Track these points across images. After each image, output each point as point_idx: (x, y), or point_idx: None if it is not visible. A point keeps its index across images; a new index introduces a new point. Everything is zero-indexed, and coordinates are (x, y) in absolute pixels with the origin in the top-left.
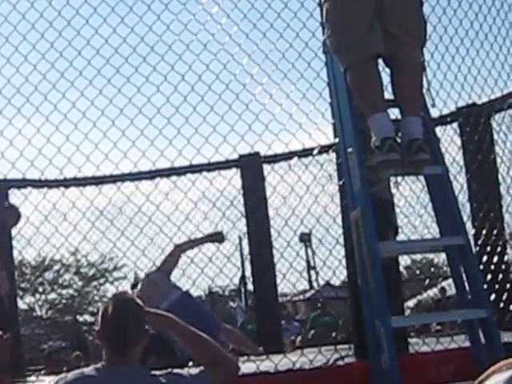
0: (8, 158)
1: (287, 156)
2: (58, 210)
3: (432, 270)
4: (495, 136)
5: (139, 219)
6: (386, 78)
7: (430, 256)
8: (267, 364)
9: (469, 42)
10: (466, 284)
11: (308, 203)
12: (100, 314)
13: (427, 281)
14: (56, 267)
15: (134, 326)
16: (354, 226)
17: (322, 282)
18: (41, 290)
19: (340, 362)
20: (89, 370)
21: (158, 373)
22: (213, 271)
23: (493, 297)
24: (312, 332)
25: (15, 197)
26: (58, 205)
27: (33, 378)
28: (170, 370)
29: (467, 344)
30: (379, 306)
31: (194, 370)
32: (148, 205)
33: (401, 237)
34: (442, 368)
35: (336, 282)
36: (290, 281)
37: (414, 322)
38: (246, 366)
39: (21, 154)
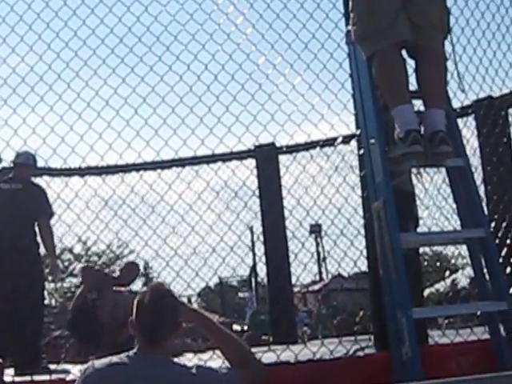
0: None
1: (302, 147)
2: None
3: (443, 263)
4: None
5: (162, 208)
6: (410, 70)
7: (439, 249)
8: (287, 354)
9: (490, 35)
10: (487, 276)
11: (318, 194)
12: (135, 303)
13: (446, 272)
14: (66, 256)
15: (170, 318)
16: (375, 217)
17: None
18: (50, 278)
19: (360, 353)
20: (120, 358)
21: (189, 365)
22: (220, 261)
23: None
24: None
25: None
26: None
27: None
28: (200, 363)
29: (486, 336)
30: (401, 296)
31: (224, 366)
32: (171, 193)
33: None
34: (461, 360)
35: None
36: (302, 271)
37: (435, 314)
38: (266, 357)
39: (43, 142)
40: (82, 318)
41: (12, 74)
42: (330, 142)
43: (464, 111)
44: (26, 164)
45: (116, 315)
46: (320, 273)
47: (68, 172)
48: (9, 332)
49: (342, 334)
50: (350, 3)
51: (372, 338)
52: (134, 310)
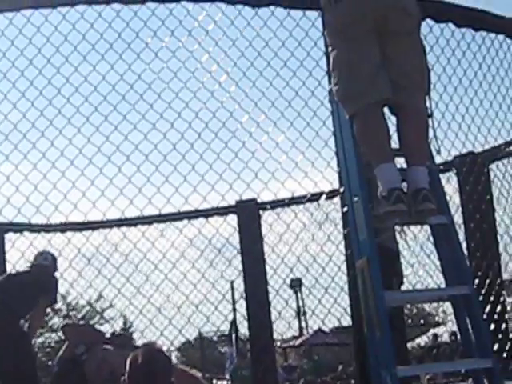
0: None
1: (285, 202)
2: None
3: (424, 317)
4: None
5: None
6: (392, 127)
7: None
8: None
9: (472, 92)
10: (472, 333)
11: (299, 250)
12: (128, 362)
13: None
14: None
15: (163, 378)
16: (359, 275)
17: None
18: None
19: None
20: None
21: None
22: (201, 317)
23: (496, 346)
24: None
25: (9, 241)
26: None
27: None
28: None
29: None
30: (385, 355)
31: None
32: (154, 251)
33: (405, 286)
34: None
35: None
36: (282, 327)
37: (420, 372)
38: None
39: (26, 200)
40: (68, 371)
41: None
42: (313, 198)
43: (446, 167)
44: (42, 265)
45: (101, 371)
46: (300, 327)
47: (50, 228)
48: None
49: None
50: (330, 64)
51: None
52: (127, 370)
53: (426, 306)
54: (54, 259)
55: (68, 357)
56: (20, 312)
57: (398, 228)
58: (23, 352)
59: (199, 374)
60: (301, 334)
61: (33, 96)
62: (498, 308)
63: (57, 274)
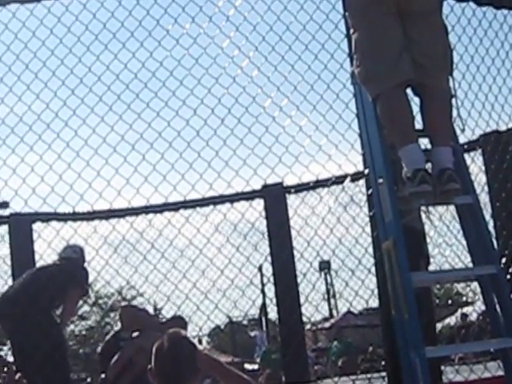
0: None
1: (310, 186)
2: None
3: (452, 297)
4: None
5: (172, 252)
6: (415, 108)
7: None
8: None
9: (495, 71)
10: (500, 313)
11: (325, 233)
12: (154, 351)
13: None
14: None
15: (188, 364)
16: (386, 257)
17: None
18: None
19: None
20: None
21: None
22: (229, 302)
23: None
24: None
25: (35, 232)
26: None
27: None
28: None
29: (500, 372)
30: (413, 336)
31: None
32: (180, 238)
33: (432, 266)
34: None
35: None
36: (311, 309)
37: (448, 352)
38: None
39: (52, 190)
40: (108, 355)
41: (19, 123)
42: (338, 181)
43: (471, 146)
44: (72, 257)
45: (136, 360)
46: (330, 309)
47: (77, 217)
48: None
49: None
50: (353, 46)
51: (386, 377)
52: (153, 358)
53: (456, 286)
54: (82, 251)
55: (107, 342)
56: (51, 303)
57: (423, 208)
58: (54, 341)
59: (229, 359)
60: (331, 316)
61: (55, 86)
62: None
63: (86, 266)
